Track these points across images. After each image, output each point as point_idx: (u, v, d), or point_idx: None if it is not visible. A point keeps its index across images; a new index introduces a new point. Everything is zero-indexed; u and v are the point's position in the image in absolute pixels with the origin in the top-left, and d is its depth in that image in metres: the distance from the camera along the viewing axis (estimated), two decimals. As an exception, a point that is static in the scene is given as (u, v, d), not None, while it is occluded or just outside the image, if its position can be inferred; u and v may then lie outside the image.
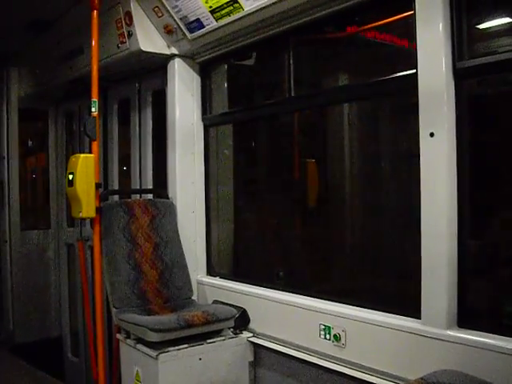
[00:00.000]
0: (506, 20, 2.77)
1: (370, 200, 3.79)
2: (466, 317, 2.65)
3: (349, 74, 4.00)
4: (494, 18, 2.83)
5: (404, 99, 3.21)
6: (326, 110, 4.27)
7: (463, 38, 2.64)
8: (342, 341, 3.09)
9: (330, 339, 3.16)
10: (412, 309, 2.79)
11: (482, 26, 2.85)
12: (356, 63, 3.90)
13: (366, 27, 3.44)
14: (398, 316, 2.89)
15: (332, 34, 3.71)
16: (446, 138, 2.60)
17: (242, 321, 3.78)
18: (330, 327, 3.16)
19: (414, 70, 2.74)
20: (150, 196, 4.56)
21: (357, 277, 3.66)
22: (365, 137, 4.15)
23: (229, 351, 3.69)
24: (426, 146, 2.67)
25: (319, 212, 4.15)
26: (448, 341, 2.59)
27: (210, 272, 4.39)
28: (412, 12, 2.76)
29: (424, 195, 2.69)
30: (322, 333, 3.20)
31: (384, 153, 3.89)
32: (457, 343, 2.57)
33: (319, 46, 3.88)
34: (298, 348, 3.42)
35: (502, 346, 2.39)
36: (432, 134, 2.62)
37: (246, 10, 3.44)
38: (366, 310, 3.06)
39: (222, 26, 3.67)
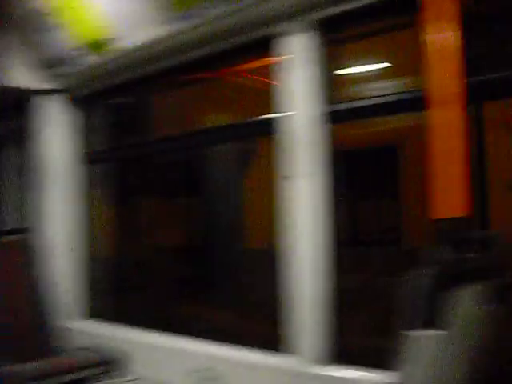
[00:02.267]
0: (373, 67, 2.92)
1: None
2: (340, 353, 2.71)
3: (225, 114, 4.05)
4: (359, 65, 2.97)
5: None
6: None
7: (331, 84, 2.76)
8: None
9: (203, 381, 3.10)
10: (287, 346, 2.81)
11: (349, 72, 2.98)
12: (231, 104, 3.95)
13: (237, 69, 3.51)
14: (273, 354, 2.89)
15: (205, 75, 3.74)
16: (314, 181, 2.70)
17: (116, 365, 3.63)
18: (205, 369, 3.09)
19: (280, 114, 2.82)
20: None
21: (233, 316, 3.64)
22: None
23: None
24: (293, 188, 2.74)
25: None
26: (322, 378, 2.63)
27: (85, 315, 4.19)
28: (282, 57, 2.85)
29: (293, 234, 2.74)
30: (195, 375, 3.13)
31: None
32: (331, 380, 2.61)
33: (194, 87, 3.90)
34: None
35: (373, 379, 2.47)
36: (299, 177, 2.69)
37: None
38: (242, 349, 3.04)
39: (97, 64, 3.59)
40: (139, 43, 3.27)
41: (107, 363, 3.59)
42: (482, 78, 2.22)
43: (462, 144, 1.59)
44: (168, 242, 4.29)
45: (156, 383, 3.45)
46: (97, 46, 3.43)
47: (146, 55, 3.44)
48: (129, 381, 3.62)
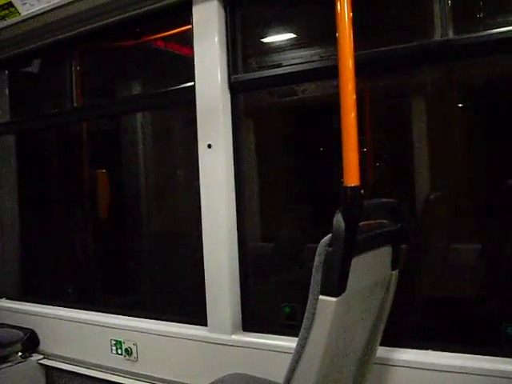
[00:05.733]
0: (277, 38, 2.94)
1: (160, 211, 3.81)
2: (250, 321, 2.78)
3: (142, 83, 3.96)
4: (265, 36, 2.99)
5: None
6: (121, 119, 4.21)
7: (238, 53, 2.76)
8: (134, 354, 3.05)
9: (121, 354, 3.10)
10: (200, 317, 2.84)
11: (256, 43, 2.99)
12: (148, 72, 3.87)
13: (151, 37, 3.45)
14: (186, 325, 2.93)
15: (120, 43, 3.65)
16: (224, 149, 2.69)
17: (30, 343, 3.56)
18: (121, 342, 3.10)
19: (193, 83, 2.79)
20: None
21: (149, 288, 3.64)
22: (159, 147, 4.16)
23: (18, 377, 3.46)
24: (204, 156, 2.74)
25: (110, 224, 4.05)
26: (234, 345, 2.69)
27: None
28: (190, 26, 2.82)
29: (204, 204, 2.75)
30: (114, 348, 3.14)
31: (176, 163, 3.93)
32: (242, 347, 2.67)
33: (108, 55, 3.80)
34: (90, 366, 3.31)
35: (282, 345, 2.53)
36: (210, 146, 2.69)
37: (23, 14, 3.25)
38: (156, 321, 3.06)
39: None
40: (48, 7, 3.13)
41: (21, 342, 3.53)
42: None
43: (355, 117, 1.64)
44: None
45: (72, 360, 3.43)
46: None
47: (50, 22, 3.30)
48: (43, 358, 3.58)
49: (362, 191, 1.64)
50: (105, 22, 3.24)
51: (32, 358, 3.56)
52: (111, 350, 3.15)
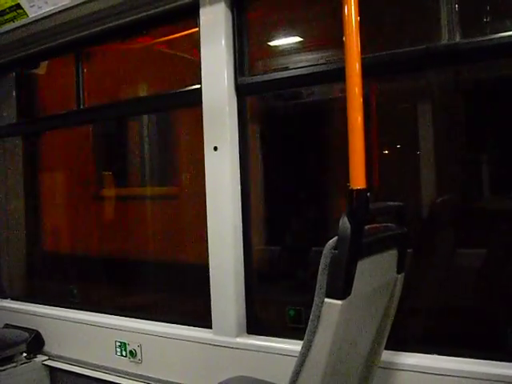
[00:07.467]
0: (283, 41, 2.94)
1: (164, 211, 3.82)
2: (255, 324, 2.77)
3: (148, 85, 3.98)
4: (272, 39, 2.99)
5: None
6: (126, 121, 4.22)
7: (244, 56, 2.76)
8: (138, 356, 3.05)
9: (126, 355, 3.10)
10: (204, 319, 2.84)
11: (263, 46, 2.99)
12: (155, 74, 3.88)
13: (157, 40, 3.47)
14: (191, 327, 2.93)
15: (126, 45, 3.66)
16: (230, 151, 2.69)
17: (35, 344, 3.57)
18: (125, 343, 3.10)
19: (199, 85, 2.80)
20: None
21: (152, 291, 3.65)
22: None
23: (23, 378, 3.46)
24: (210, 159, 2.74)
25: (116, 227, 4.06)
26: (238, 348, 2.69)
27: (1, 294, 4.08)
28: (197, 29, 2.82)
29: (209, 207, 2.76)
30: (118, 350, 3.14)
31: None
32: (247, 350, 2.67)
33: (114, 57, 3.82)
34: (95, 367, 3.32)
35: (287, 348, 2.53)
36: (216, 148, 2.70)
37: (30, 16, 3.26)
38: (160, 323, 3.06)
39: (5, 33, 3.44)
40: (56, 9, 3.14)
41: (26, 343, 3.53)
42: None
43: (361, 120, 1.65)
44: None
45: (76, 361, 3.44)
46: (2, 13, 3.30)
47: (57, 25, 3.31)
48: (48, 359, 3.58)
49: (368, 194, 1.64)
50: (112, 24, 3.24)
51: (36, 359, 3.56)
52: (116, 351, 3.15)
